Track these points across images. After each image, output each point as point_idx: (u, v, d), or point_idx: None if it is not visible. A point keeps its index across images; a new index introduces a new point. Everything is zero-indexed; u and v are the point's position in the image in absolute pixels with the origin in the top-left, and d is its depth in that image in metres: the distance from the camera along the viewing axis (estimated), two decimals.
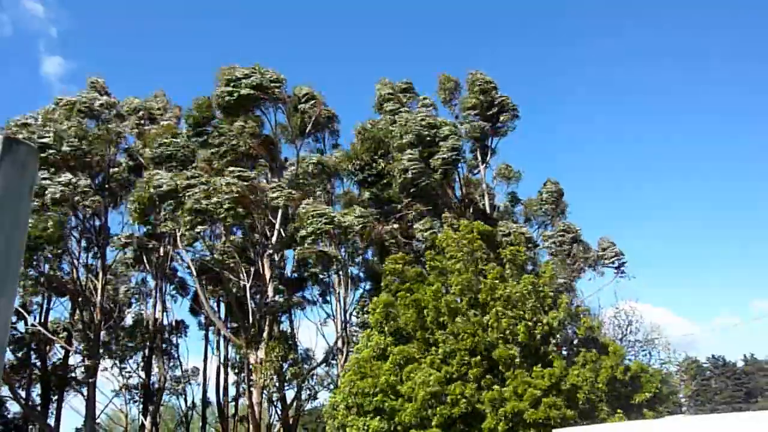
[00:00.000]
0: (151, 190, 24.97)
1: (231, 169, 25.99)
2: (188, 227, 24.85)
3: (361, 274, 31.86)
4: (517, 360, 18.24)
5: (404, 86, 30.98)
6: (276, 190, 26.62)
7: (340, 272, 30.96)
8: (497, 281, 19.69)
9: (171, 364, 34.39)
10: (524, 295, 19.24)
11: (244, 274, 28.56)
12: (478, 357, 18.11)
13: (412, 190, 27.08)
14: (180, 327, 35.24)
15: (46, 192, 25.93)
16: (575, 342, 20.95)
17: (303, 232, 25.57)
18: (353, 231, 26.23)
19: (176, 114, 31.73)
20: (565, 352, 20.72)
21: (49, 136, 26.82)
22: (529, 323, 18.58)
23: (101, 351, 31.05)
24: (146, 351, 32.40)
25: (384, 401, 18.31)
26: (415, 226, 27.29)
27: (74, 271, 30.32)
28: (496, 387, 17.63)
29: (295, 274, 33.39)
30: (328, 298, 33.84)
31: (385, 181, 30.22)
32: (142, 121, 30.82)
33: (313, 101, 30.11)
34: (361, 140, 30.89)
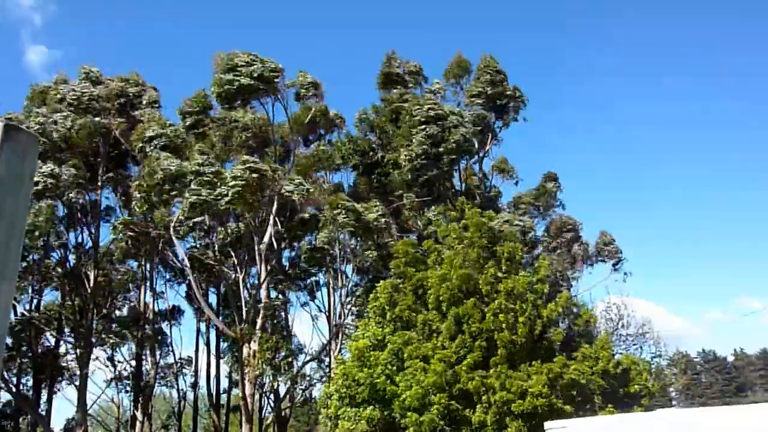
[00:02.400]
0: (159, 174, 24.76)
1: (245, 158, 25.78)
2: (185, 217, 24.88)
3: (349, 270, 31.89)
4: (516, 349, 18.31)
5: (412, 69, 30.71)
6: (290, 183, 26.56)
7: (338, 265, 31.03)
8: (497, 276, 19.78)
9: (164, 352, 34.40)
10: (522, 291, 19.39)
11: (240, 266, 28.77)
12: (480, 341, 18.19)
13: (417, 180, 27.02)
14: (174, 314, 35.23)
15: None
16: (573, 336, 21.10)
17: (324, 232, 25.55)
18: (377, 227, 26.24)
19: (155, 99, 31.38)
20: (559, 346, 20.61)
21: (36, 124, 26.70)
22: (529, 318, 18.74)
23: (93, 340, 31.07)
24: (138, 339, 32.38)
25: (382, 389, 18.40)
26: (420, 216, 27.25)
27: (64, 257, 30.51)
28: (481, 378, 17.72)
29: (292, 264, 33.47)
30: (319, 292, 34.33)
31: (381, 170, 30.08)
32: (122, 109, 30.56)
33: (315, 90, 30.01)
34: (363, 127, 30.80)
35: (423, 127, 26.47)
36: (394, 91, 30.21)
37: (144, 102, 31.03)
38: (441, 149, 26.93)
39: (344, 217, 25.69)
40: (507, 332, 18.16)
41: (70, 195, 28.22)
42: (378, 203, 27.52)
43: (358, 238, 28.27)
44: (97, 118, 29.21)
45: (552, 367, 18.05)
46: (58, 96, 29.21)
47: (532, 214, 30.93)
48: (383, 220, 26.43)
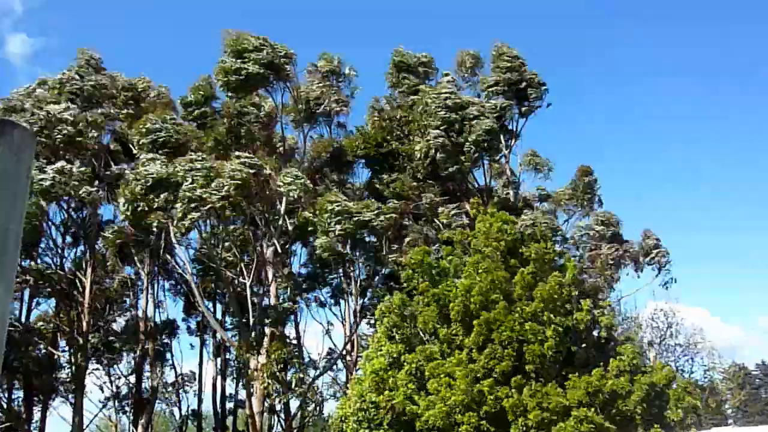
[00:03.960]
0: (141, 181, 24.96)
1: (237, 154, 25.88)
2: (181, 216, 24.83)
3: (365, 275, 31.76)
4: (548, 362, 18.24)
5: (424, 59, 30.74)
6: (287, 178, 26.49)
7: (351, 272, 31.09)
8: (528, 280, 19.75)
9: (164, 368, 34.79)
10: (553, 296, 19.33)
11: (245, 271, 28.72)
12: (511, 350, 18.09)
13: (434, 176, 27.05)
14: (172, 328, 35.45)
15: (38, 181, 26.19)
16: (610, 345, 20.99)
17: (322, 239, 25.53)
18: (375, 227, 26.12)
19: (165, 95, 31.80)
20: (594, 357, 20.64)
21: (39, 121, 27.05)
22: (559, 327, 18.65)
23: (89, 355, 31.52)
24: (137, 354, 32.56)
25: (401, 408, 18.48)
26: (439, 215, 27.15)
27: (59, 266, 30.78)
28: (516, 394, 17.66)
29: (302, 270, 33.88)
30: (337, 300, 34.16)
31: (396, 165, 30.05)
32: (129, 102, 30.96)
33: (328, 77, 30.25)
34: (375, 120, 30.78)
35: (441, 114, 26.43)
36: (406, 82, 30.27)
37: (152, 96, 31.44)
38: (462, 140, 26.82)
39: (335, 221, 25.49)
40: (536, 345, 18.04)
41: (81, 193, 28.29)
42: (374, 201, 27.37)
43: (356, 248, 28.18)
44: (101, 110, 29.50)
45: (590, 380, 17.84)
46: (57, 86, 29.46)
47: (569, 212, 30.76)
48: (382, 218, 26.13)
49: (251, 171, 25.27)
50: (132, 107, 30.53)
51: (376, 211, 26.54)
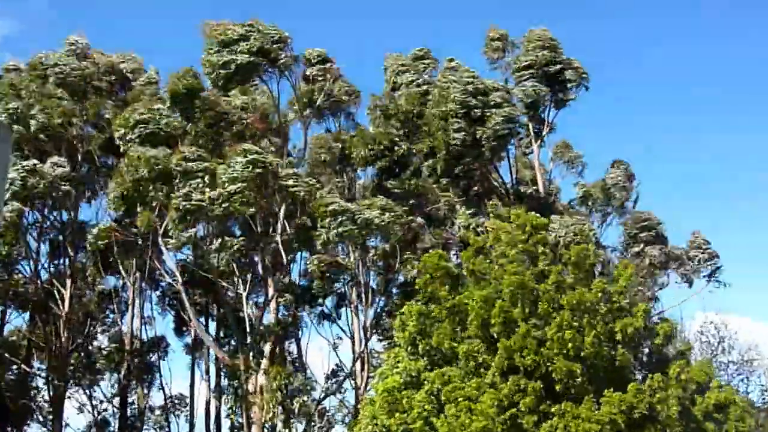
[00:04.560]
0: (140, 171, 24.08)
1: (245, 146, 24.82)
2: (176, 222, 24.21)
3: (375, 285, 31.08)
4: (580, 379, 17.42)
5: (418, 54, 30.34)
6: (292, 178, 25.79)
7: (358, 280, 30.29)
8: (560, 286, 18.84)
9: (152, 389, 34.32)
10: (594, 304, 18.48)
11: (242, 282, 28.03)
12: (537, 382, 17.33)
13: (452, 173, 26.22)
14: (160, 345, 34.70)
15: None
16: (653, 360, 20.42)
17: (323, 237, 24.75)
18: (378, 228, 25.26)
19: (154, 80, 30.81)
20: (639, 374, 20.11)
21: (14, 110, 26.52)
22: (600, 336, 17.80)
23: (69, 375, 30.85)
24: (122, 374, 32.01)
25: None
26: (456, 220, 26.37)
27: (34, 275, 30.02)
28: (546, 422, 16.99)
29: (303, 281, 32.72)
30: (341, 312, 33.40)
31: (410, 168, 29.00)
32: (114, 88, 30.15)
33: (327, 65, 29.22)
34: (378, 117, 29.72)
35: (460, 98, 25.42)
36: (404, 77, 29.55)
37: (140, 82, 30.45)
38: (480, 131, 25.73)
39: (335, 224, 24.70)
40: (562, 361, 17.26)
41: (60, 193, 27.57)
42: (384, 200, 26.53)
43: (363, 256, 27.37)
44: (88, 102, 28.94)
45: (624, 397, 16.97)
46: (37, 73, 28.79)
47: (604, 212, 29.88)
48: (386, 216, 25.30)
49: (258, 170, 24.51)
50: (117, 95, 29.95)
51: (380, 210, 25.68)
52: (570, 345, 17.57)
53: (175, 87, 26.77)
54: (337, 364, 32.76)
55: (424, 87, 28.03)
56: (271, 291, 27.45)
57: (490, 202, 22.96)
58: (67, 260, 30.72)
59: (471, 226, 25.06)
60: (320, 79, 29.45)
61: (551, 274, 19.18)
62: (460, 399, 17.73)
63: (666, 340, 19.89)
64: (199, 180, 23.72)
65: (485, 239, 21.50)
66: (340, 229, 24.41)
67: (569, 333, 17.62)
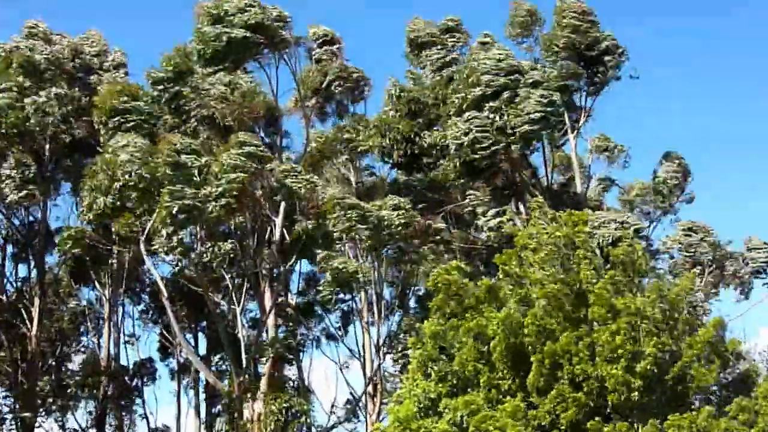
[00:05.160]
0: (118, 171, 22.98)
1: (241, 137, 24.04)
2: (163, 230, 23.09)
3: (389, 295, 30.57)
4: (636, 395, 16.45)
5: (449, 25, 28.70)
6: (290, 174, 24.86)
7: (369, 292, 29.71)
8: (609, 290, 17.76)
9: (134, 419, 33.49)
10: (650, 311, 17.58)
11: (236, 296, 27.41)
12: (582, 393, 16.40)
13: (473, 168, 25.06)
14: (145, 369, 33.96)
15: None
16: (724, 382, 19.51)
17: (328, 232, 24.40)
18: (392, 227, 24.51)
19: (121, 60, 30.09)
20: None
21: None
22: (659, 347, 16.80)
23: (38, 403, 30.07)
24: (99, 401, 30.98)
25: None
26: (479, 220, 25.54)
27: None
28: None
29: (304, 298, 32.43)
30: (349, 330, 32.92)
31: (431, 162, 28.28)
32: (79, 75, 29.22)
33: (334, 47, 28.50)
34: (397, 104, 28.47)
35: (488, 79, 24.28)
36: (429, 51, 28.14)
37: (107, 66, 29.52)
38: (513, 117, 24.51)
39: (356, 218, 24.13)
40: (620, 370, 16.30)
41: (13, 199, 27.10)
42: (398, 198, 25.94)
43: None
44: (54, 90, 27.73)
45: (692, 419, 15.99)
46: None
47: (652, 212, 29.11)
48: (396, 214, 24.71)
49: (254, 166, 23.58)
50: (81, 81, 28.92)
51: (391, 209, 25.16)
52: (623, 353, 16.52)
53: (163, 71, 25.76)
54: (352, 393, 31.78)
55: (452, 69, 26.83)
56: (268, 304, 26.35)
57: (534, 200, 21.68)
58: (36, 271, 29.75)
59: (500, 228, 24.31)
60: (326, 60, 28.64)
61: (605, 276, 18.10)
62: (491, 429, 16.51)
63: (735, 357, 18.93)
64: (190, 175, 22.82)
65: (523, 239, 20.31)
66: (347, 225, 23.68)
67: (620, 339, 16.59)
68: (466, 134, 24.33)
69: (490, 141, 24.41)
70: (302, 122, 30.07)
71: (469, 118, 24.41)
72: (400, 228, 25.13)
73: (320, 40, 28.92)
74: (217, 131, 26.83)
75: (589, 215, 21.37)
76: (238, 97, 26.49)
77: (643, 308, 17.46)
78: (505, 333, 17.50)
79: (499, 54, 24.84)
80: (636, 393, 16.30)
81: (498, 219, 25.24)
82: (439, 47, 28.32)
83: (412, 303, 30.23)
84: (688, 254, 26.53)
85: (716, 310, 26.95)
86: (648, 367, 16.46)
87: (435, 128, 27.71)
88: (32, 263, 30.13)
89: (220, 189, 22.78)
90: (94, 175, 24.11)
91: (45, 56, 28.14)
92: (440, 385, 18.12)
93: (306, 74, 28.55)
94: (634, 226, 24.32)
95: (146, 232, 24.28)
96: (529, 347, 17.26)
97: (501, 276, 19.73)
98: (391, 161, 29.62)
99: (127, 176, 22.85)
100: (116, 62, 29.76)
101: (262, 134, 28.77)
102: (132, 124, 24.67)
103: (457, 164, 25.84)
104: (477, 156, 24.60)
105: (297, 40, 27.46)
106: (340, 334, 32.48)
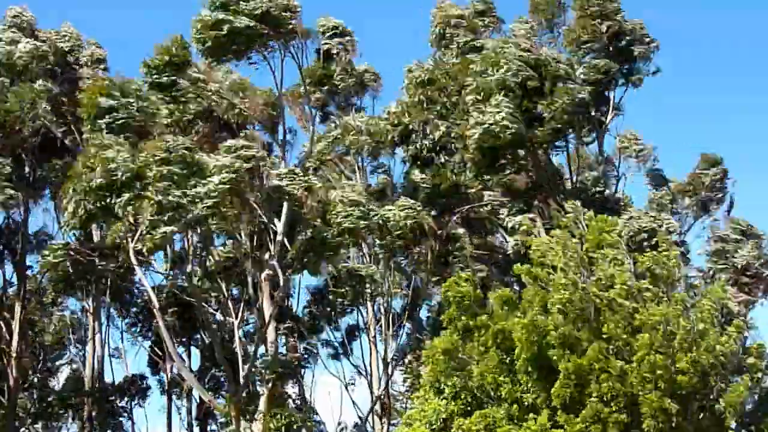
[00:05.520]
0: (99, 176, 22.15)
1: (230, 143, 23.80)
2: (149, 228, 22.24)
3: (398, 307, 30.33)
4: (676, 420, 16.34)
5: (479, 8, 28.06)
6: (286, 177, 24.55)
7: (376, 305, 29.99)
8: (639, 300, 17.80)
9: None
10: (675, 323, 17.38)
11: (232, 308, 27.13)
12: (617, 411, 16.26)
13: (494, 164, 24.66)
14: (136, 386, 33.49)
15: None
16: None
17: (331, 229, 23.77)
18: (401, 229, 24.29)
19: (99, 56, 29.87)
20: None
21: None
22: (686, 360, 16.63)
23: (18, 423, 29.99)
24: (84, 421, 30.47)
25: None
26: (503, 222, 25.05)
27: None
28: None
29: (308, 310, 32.29)
30: (354, 347, 32.81)
31: (444, 158, 27.86)
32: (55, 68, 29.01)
33: (346, 39, 28.15)
34: (414, 91, 27.80)
35: (513, 67, 23.65)
36: (456, 40, 27.40)
37: (83, 62, 29.33)
38: (540, 112, 24.15)
39: (359, 216, 23.79)
40: (655, 393, 16.14)
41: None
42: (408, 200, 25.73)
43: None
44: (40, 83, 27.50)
45: None
46: None
47: (687, 216, 29.02)
48: (405, 215, 24.47)
49: (246, 165, 23.18)
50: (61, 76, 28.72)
51: (399, 209, 24.88)
52: (661, 374, 16.30)
53: (158, 59, 25.15)
54: (359, 416, 31.09)
55: (477, 55, 26.02)
56: (267, 315, 25.74)
57: (568, 202, 21.13)
58: (17, 281, 29.47)
59: (522, 229, 23.32)
60: (336, 54, 28.51)
61: (626, 284, 17.81)
62: None
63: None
64: (179, 172, 22.16)
65: (539, 249, 20.02)
66: (350, 224, 23.23)
67: (660, 359, 16.47)
68: (493, 116, 23.57)
69: (517, 126, 23.69)
70: (304, 119, 30.04)
71: (498, 102, 23.62)
72: (408, 230, 24.80)
73: (330, 33, 28.47)
74: (216, 126, 26.80)
75: (618, 220, 21.01)
76: (236, 91, 26.49)
77: (668, 320, 17.05)
78: (529, 340, 17.05)
79: (524, 44, 24.37)
80: (674, 418, 15.86)
81: (521, 221, 24.17)
82: (466, 31, 27.70)
83: (423, 313, 30.30)
84: (724, 261, 25.87)
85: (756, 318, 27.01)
86: (683, 385, 16.10)
87: (452, 118, 27.10)
88: (19, 273, 29.60)
89: (206, 188, 22.18)
90: (76, 177, 23.16)
91: (26, 50, 27.71)
92: (453, 403, 17.97)
93: (311, 69, 28.16)
94: (668, 226, 24.06)
95: (135, 238, 23.18)
96: (555, 358, 16.88)
97: (526, 281, 19.25)
98: (405, 153, 29.22)
99: (111, 176, 22.06)
100: (95, 58, 29.53)
101: (263, 131, 28.81)
102: (121, 122, 23.82)
103: (477, 154, 24.98)
104: (500, 142, 23.82)
105: (306, 32, 26.73)
106: (343, 351, 32.42)
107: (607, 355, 17.27)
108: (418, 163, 28.65)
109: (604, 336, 17.79)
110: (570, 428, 16.53)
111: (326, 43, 28.31)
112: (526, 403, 17.66)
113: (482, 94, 24.03)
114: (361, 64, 30.60)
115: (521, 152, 24.94)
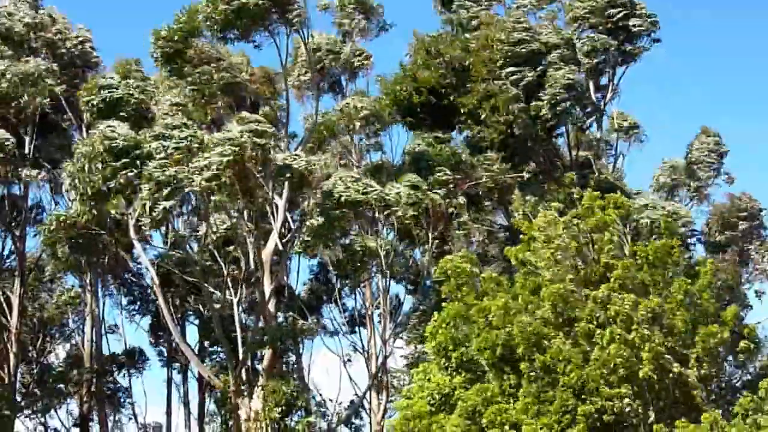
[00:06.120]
0: (100, 148, 22.93)
1: (244, 115, 24.15)
2: (148, 202, 22.76)
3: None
4: (634, 404, 16.74)
5: None
6: (289, 156, 24.91)
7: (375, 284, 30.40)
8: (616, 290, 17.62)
9: (121, 415, 33.81)
10: (673, 310, 17.56)
11: (231, 282, 27.23)
12: (588, 404, 16.45)
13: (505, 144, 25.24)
14: (136, 360, 33.74)
15: None
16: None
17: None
18: (403, 208, 24.22)
19: (86, 37, 30.16)
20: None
21: None
22: (667, 348, 16.81)
23: (19, 399, 30.21)
24: (83, 397, 30.67)
25: None
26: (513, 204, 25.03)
27: None
28: None
29: (306, 287, 32.90)
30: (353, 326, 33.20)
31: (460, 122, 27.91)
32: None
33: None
34: (422, 55, 28.05)
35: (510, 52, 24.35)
36: (462, 11, 28.08)
37: (71, 47, 29.61)
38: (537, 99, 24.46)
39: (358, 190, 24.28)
40: (614, 390, 16.52)
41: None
42: (413, 177, 25.80)
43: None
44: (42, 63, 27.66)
45: (694, 430, 16.09)
46: None
47: (684, 195, 28.81)
48: (408, 193, 24.60)
49: (258, 140, 23.39)
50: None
51: (404, 186, 24.99)
52: (620, 363, 16.56)
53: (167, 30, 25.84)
54: (355, 393, 31.40)
55: (474, 34, 26.32)
56: (267, 291, 25.86)
57: (568, 175, 21.72)
58: (16, 257, 29.65)
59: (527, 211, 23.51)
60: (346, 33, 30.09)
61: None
62: (506, 425, 16.88)
63: (751, 354, 19.30)
64: (179, 146, 22.69)
65: (532, 229, 20.36)
66: (351, 197, 23.57)
67: (614, 348, 16.63)
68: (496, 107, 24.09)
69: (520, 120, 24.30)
70: (304, 98, 30.62)
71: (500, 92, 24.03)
72: (409, 208, 24.87)
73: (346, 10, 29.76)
74: (222, 99, 27.18)
75: (624, 199, 20.91)
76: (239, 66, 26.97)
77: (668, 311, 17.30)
78: (519, 320, 17.31)
79: (520, 32, 24.53)
80: (633, 404, 16.28)
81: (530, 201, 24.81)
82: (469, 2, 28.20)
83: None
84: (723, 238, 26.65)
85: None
86: (645, 374, 16.21)
87: (462, 89, 27.14)
88: (18, 245, 29.89)
89: (206, 161, 22.52)
90: (81, 155, 23.75)
91: (26, 23, 27.96)
92: (456, 378, 18.31)
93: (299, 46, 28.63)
94: (672, 210, 24.18)
95: (136, 215, 23.73)
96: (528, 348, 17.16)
97: (516, 265, 19.77)
98: (411, 119, 29.01)
99: (114, 157, 22.69)
100: (82, 39, 29.74)
101: (266, 107, 29.29)
102: (118, 99, 24.69)
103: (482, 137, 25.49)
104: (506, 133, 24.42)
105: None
106: (344, 330, 32.61)
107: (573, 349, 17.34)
108: (428, 125, 28.47)
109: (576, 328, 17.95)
110: (548, 418, 16.69)
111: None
112: (518, 379, 17.68)
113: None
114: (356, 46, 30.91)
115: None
